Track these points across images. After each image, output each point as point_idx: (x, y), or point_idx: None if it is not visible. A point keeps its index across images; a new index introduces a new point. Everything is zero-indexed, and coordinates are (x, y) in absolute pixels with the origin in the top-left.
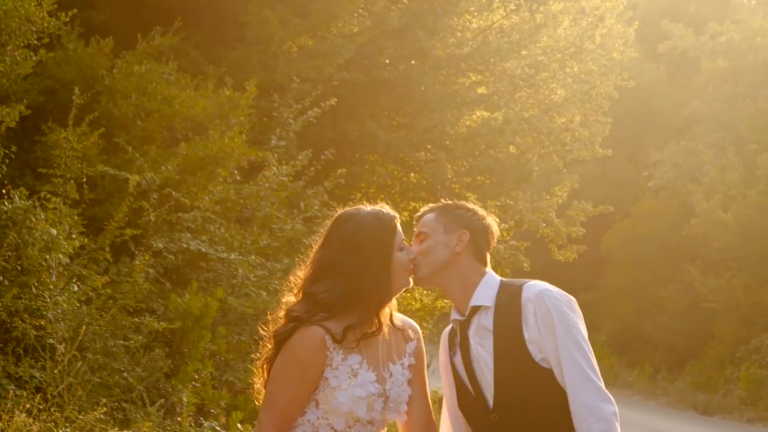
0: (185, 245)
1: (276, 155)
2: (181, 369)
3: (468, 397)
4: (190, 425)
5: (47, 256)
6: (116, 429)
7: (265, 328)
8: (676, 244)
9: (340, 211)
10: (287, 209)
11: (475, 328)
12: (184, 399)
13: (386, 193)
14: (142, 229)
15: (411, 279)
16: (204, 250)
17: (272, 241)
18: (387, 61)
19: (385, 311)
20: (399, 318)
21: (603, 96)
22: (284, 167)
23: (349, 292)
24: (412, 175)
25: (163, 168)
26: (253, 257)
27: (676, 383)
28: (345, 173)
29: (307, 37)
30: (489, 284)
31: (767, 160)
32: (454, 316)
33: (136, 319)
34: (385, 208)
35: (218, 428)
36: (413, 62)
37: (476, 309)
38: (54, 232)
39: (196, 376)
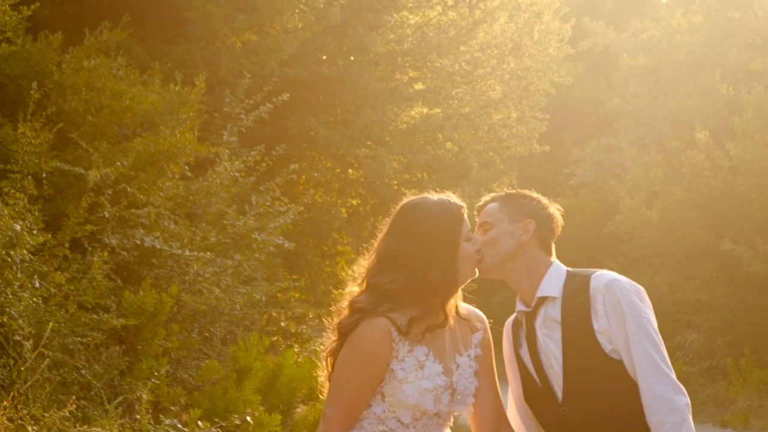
0: (138, 242)
1: (227, 151)
2: (135, 366)
3: (535, 390)
4: (149, 423)
5: (12, 252)
6: (85, 427)
7: (329, 320)
8: (597, 241)
9: (405, 199)
10: (238, 205)
11: (542, 319)
12: (144, 396)
13: (325, 189)
14: (101, 226)
15: (476, 270)
16: (159, 246)
17: (223, 238)
18: (324, 57)
19: (451, 303)
20: (464, 308)
21: (540, 92)
22: (236, 163)
23: (415, 283)
24: (351, 171)
25: (118, 164)
26: (208, 254)
27: None
28: (297, 169)
29: (252, 33)
30: (556, 274)
31: (690, 157)
32: (520, 307)
33: (95, 316)
34: (452, 197)
35: (179, 426)
36: (352, 58)
37: (543, 300)
38: (18, 227)
39: (156, 374)
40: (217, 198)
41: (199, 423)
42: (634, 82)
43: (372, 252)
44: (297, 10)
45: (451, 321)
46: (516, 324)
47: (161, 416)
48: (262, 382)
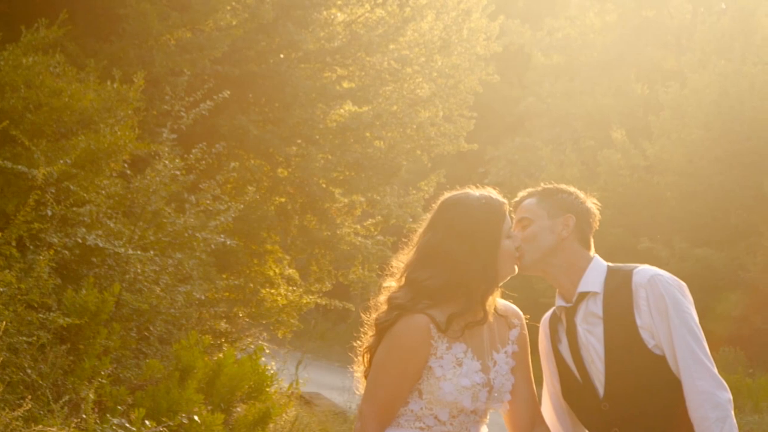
0: (80, 240)
1: (167, 149)
2: (78, 366)
3: (574, 386)
4: (96, 423)
5: None
6: (40, 426)
7: (366, 315)
8: None
9: (446, 194)
10: (178, 203)
11: (582, 315)
12: (91, 396)
13: (256, 187)
14: (45, 224)
15: (516, 266)
16: (101, 244)
17: (162, 236)
18: (253, 55)
19: (491, 299)
20: (501, 304)
21: (468, 91)
22: (176, 161)
23: (455, 279)
24: (280, 169)
25: (61, 161)
26: (151, 252)
27: None
28: (237, 167)
29: (185, 30)
30: (597, 269)
31: (606, 157)
32: (559, 302)
33: (41, 315)
34: (493, 193)
35: (128, 425)
36: (282, 56)
37: (584, 295)
38: None
39: (102, 373)
40: (157, 196)
41: (147, 422)
42: (548, 81)
43: (411, 247)
44: (229, 8)
45: (491, 318)
46: (554, 319)
47: (108, 416)
48: (203, 381)
